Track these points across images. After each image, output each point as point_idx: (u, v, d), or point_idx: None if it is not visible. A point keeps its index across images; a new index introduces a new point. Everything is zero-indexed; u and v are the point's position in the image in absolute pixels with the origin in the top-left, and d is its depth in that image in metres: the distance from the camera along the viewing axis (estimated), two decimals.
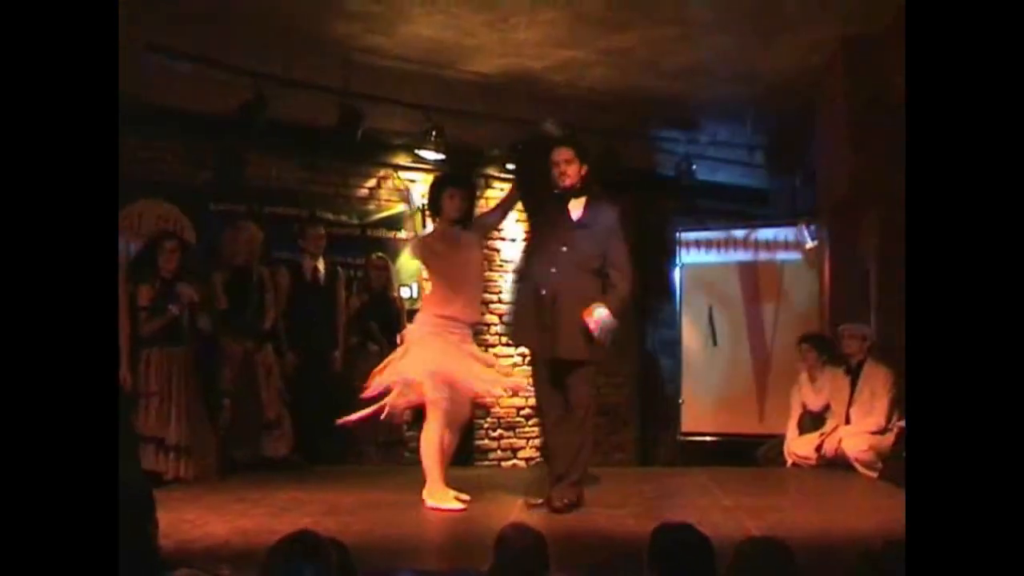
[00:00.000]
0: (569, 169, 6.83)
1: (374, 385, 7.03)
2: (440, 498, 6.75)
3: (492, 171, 11.28)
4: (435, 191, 7.23)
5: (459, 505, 6.75)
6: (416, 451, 10.44)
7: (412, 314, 10.36)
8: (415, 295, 10.69)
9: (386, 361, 7.16)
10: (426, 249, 7.18)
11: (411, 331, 7.25)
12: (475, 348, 7.22)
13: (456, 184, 7.24)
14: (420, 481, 6.89)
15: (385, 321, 9.63)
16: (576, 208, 6.86)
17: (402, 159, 10.78)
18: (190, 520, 6.12)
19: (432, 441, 6.87)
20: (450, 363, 6.83)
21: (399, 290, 10.22)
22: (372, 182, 10.75)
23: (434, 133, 10.19)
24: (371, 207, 10.68)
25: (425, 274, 8.59)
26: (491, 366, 7.31)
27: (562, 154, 6.86)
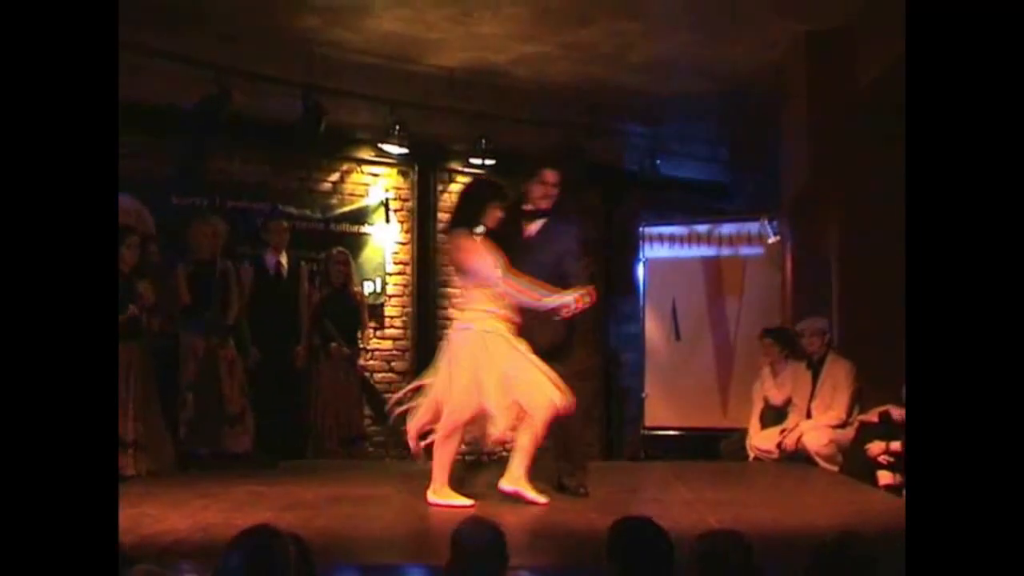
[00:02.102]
0: (554, 192, 6.86)
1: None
2: (448, 495, 6.69)
3: (455, 165, 11.28)
4: (483, 199, 6.86)
5: (468, 501, 6.66)
6: (379, 446, 10.51)
7: (373, 309, 10.40)
8: (378, 290, 10.68)
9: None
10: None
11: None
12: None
13: (503, 199, 6.91)
14: (382, 475, 6.87)
15: (345, 316, 9.62)
16: (532, 227, 6.89)
17: (366, 153, 10.78)
18: (151, 515, 6.08)
19: (454, 444, 6.81)
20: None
21: (361, 284, 10.21)
22: (336, 176, 10.73)
23: (397, 127, 10.18)
24: (335, 201, 10.66)
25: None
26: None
27: (552, 176, 6.89)
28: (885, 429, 8.14)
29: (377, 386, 10.59)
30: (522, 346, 6.63)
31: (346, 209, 10.68)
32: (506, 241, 6.71)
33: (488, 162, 10.91)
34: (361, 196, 10.78)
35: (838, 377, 8.94)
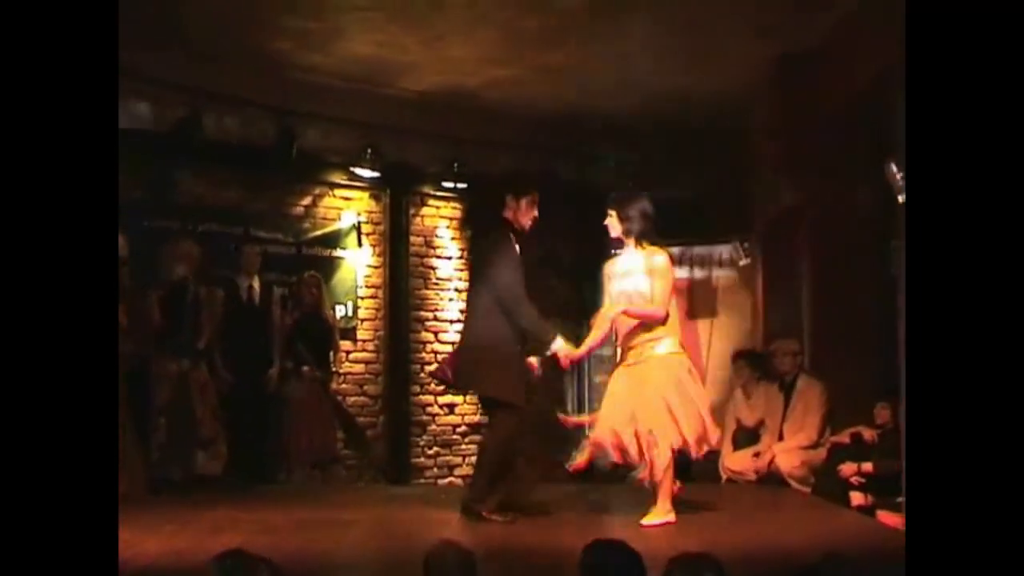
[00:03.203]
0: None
1: None
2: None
3: (428, 189, 11.28)
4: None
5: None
6: (352, 469, 10.48)
7: (345, 333, 10.38)
8: (350, 313, 10.66)
9: None
10: None
11: None
12: None
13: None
14: (355, 499, 6.85)
15: (317, 340, 9.60)
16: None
17: (338, 177, 10.76)
18: (123, 540, 6.02)
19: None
20: None
21: (333, 308, 10.18)
22: (308, 200, 10.71)
23: (369, 151, 10.19)
24: (307, 225, 10.63)
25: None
26: None
27: (536, 198, 7.12)
28: (857, 450, 8.18)
29: (349, 409, 10.56)
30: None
31: (318, 233, 10.65)
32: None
33: (460, 185, 10.92)
34: (333, 220, 10.76)
35: (809, 398, 8.97)
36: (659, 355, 6.86)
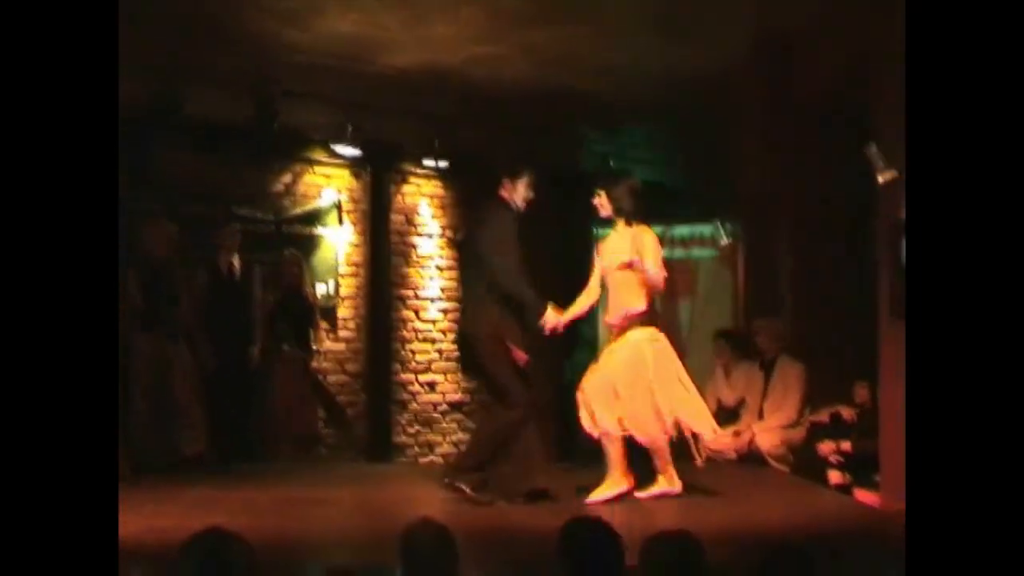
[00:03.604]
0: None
1: None
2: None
3: (409, 166, 11.26)
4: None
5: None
6: (333, 448, 10.48)
7: (326, 311, 10.37)
8: (331, 292, 10.64)
9: None
10: None
11: None
12: None
13: None
14: (336, 478, 6.85)
15: (298, 318, 9.60)
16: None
17: (319, 155, 10.72)
18: None
19: None
20: None
21: (314, 286, 10.17)
22: (288, 178, 10.67)
23: (351, 128, 10.16)
24: (287, 203, 10.59)
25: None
26: None
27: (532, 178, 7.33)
28: (835, 429, 8.22)
29: (330, 388, 10.57)
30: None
31: (299, 211, 10.61)
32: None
33: (442, 163, 10.91)
34: (314, 198, 10.72)
35: (789, 378, 9.01)
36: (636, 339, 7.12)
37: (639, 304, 7.09)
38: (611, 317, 7.27)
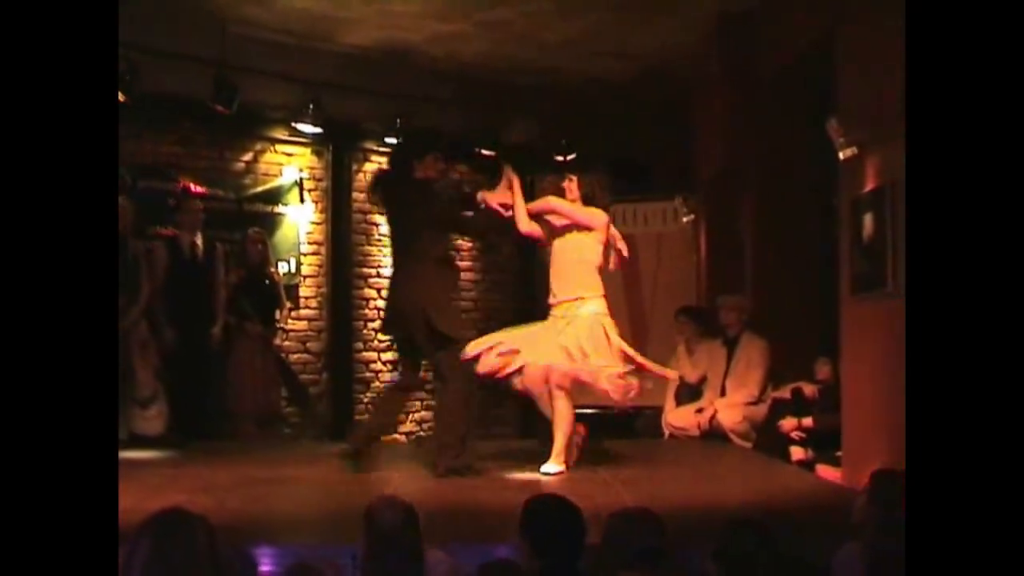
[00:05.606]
0: None
1: None
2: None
3: (370, 144, 11.21)
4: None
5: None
6: (295, 427, 10.47)
7: (289, 289, 10.33)
8: (293, 270, 10.60)
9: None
10: None
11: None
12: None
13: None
14: (298, 456, 6.82)
15: (261, 296, 9.55)
16: None
17: (279, 133, 10.67)
18: None
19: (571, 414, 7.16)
20: None
21: (276, 265, 10.12)
22: (249, 156, 10.62)
23: (312, 106, 10.10)
24: (248, 181, 10.54)
25: None
26: None
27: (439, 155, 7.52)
28: (797, 405, 8.26)
29: (293, 367, 10.54)
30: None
31: (260, 189, 10.56)
32: None
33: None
34: (275, 176, 10.67)
35: (752, 354, 9.04)
36: (585, 315, 7.18)
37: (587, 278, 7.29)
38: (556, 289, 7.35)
